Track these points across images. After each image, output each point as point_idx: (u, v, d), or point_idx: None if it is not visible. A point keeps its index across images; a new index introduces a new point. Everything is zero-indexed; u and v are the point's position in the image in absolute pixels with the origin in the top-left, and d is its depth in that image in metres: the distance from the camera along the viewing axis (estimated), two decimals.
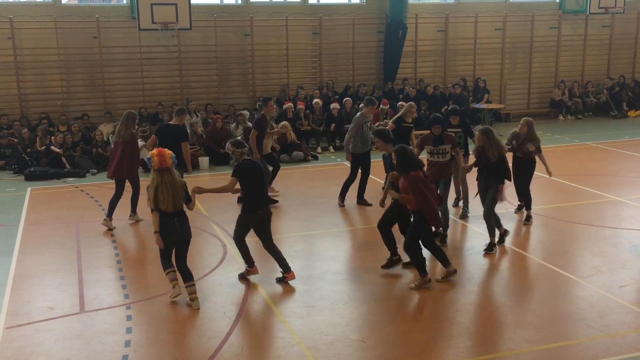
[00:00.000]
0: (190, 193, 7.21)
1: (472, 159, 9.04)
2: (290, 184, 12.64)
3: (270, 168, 11.21)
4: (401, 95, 17.98)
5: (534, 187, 10.10)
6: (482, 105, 18.41)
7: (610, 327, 6.51)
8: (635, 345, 6.14)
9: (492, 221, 8.66)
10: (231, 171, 7.61)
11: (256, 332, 6.61)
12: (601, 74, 21.52)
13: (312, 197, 11.69)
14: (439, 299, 7.36)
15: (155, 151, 7.02)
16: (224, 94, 17.69)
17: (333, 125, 16.15)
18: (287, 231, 9.96)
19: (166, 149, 7.09)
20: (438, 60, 19.73)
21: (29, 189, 12.68)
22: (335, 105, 16.48)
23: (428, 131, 9.11)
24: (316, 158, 15.08)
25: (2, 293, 7.63)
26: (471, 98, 18.95)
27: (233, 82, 17.94)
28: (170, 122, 10.65)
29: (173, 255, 7.25)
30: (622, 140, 16.55)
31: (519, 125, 9.72)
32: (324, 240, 9.47)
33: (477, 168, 8.76)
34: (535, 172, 9.83)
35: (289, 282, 7.77)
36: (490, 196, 8.56)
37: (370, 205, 10.80)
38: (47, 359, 6.15)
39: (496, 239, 8.78)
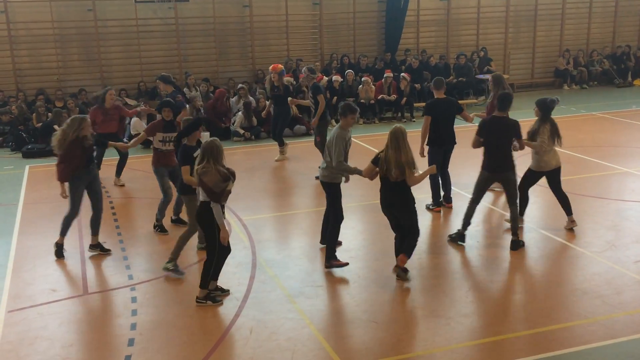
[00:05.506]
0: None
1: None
2: (295, 157, 12.41)
3: None
4: (403, 67, 17.67)
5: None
6: (486, 76, 18.04)
7: (628, 305, 6.36)
8: None
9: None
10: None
11: (265, 314, 6.44)
12: (607, 42, 21.15)
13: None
14: (449, 279, 7.19)
15: None
16: (223, 67, 17.36)
17: (335, 98, 15.85)
18: (295, 207, 9.75)
19: None
20: (440, 30, 19.33)
21: (27, 167, 12.45)
22: (337, 78, 16.16)
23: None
24: None
25: (3, 275, 7.46)
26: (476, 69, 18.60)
27: (232, 55, 17.58)
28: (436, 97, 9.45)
29: None
30: (628, 110, 16.28)
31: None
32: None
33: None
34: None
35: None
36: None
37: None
38: (52, 344, 6.00)
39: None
